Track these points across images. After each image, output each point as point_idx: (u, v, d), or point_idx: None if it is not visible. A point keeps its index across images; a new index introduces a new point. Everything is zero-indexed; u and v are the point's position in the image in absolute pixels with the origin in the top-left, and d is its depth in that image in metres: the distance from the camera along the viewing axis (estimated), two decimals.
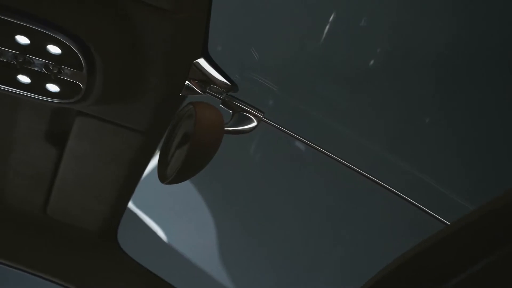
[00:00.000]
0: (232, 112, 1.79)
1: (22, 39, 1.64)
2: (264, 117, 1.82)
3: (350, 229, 2.89)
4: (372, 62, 2.51)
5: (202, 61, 1.75)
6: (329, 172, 2.65)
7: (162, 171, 1.79)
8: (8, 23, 1.60)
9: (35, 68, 1.70)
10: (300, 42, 2.53)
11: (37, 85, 1.74)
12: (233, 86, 1.80)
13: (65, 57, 1.66)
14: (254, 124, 1.80)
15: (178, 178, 1.69)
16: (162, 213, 3.22)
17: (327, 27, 2.43)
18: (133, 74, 1.74)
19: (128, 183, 2.11)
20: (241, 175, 2.99)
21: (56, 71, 1.69)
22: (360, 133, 2.58)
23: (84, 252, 2.34)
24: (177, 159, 1.70)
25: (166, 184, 1.76)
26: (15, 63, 1.68)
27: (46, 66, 1.69)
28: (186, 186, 3.01)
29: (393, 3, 2.38)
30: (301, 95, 2.69)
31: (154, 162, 2.10)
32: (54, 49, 1.65)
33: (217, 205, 3.14)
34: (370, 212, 2.71)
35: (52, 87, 1.74)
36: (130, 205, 2.75)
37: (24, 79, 1.73)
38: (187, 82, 1.78)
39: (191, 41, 1.69)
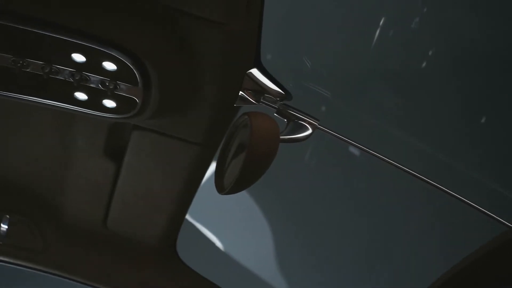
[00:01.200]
0: (287, 120, 1.79)
1: (78, 57, 1.67)
2: (319, 125, 1.82)
3: (410, 233, 2.86)
4: (424, 64, 2.48)
5: (255, 71, 1.76)
6: (385, 176, 2.63)
7: (219, 181, 1.80)
8: (65, 42, 1.63)
9: (92, 85, 1.72)
10: (350, 46, 2.52)
11: (94, 102, 1.77)
12: (287, 94, 1.80)
13: (121, 73, 1.68)
14: (309, 131, 1.80)
15: (235, 188, 1.70)
16: (218, 222, 3.24)
17: (378, 31, 2.42)
18: (187, 87, 1.75)
19: (186, 194, 2.13)
20: (296, 182, 2.99)
21: (112, 87, 1.71)
22: (414, 136, 2.55)
23: (144, 264, 2.36)
24: (234, 169, 1.71)
25: (223, 194, 1.77)
26: (72, 80, 1.71)
27: (102, 82, 1.71)
28: (241, 194, 3.03)
29: (443, 3, 2.36)
30: (353, 100, 2.68)
31: (208, 171, 2.12)
32: (109, 66, 1.67)
33: (272, 213, 3.14)
34: (429, 215, 2.68)
35: (109, 103, 1.77)
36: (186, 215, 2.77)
37: (81, 96, 1.76)
38: (241, 92, 1.79)
39: (244, 52, 1.70)
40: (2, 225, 2.31)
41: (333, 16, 2.44)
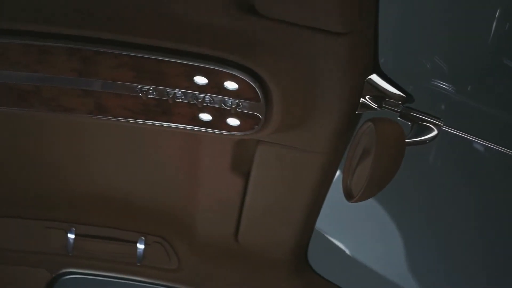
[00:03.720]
0: (411, 123, 1.77)
1: (201, 80, 1.71)
2: (443, 125, 1.79)
3: None
4: None
5: (375, 77, 1.76)
6: None
7: (347, 190, 1.80)
8: (187, 67, 1.68)
9: (215, 105, 1.76)
10: (469, 41, 2.47)
11: (219, 121, 1.80)
12: (409, 97, 1.79)
13: (242, 91, 1.71)
14: (435, 133, 1.78)
15: (364, 195, 1.70)
16: (344, 228, 3.23)
17: (494, 23, 2.36)
18: (309, 98, 1.76)
19: (314, 204, 2.14)
20: (421, 183, 2.95)
21: (235, 105, 1.74)
22: None
23: (277, 276, 2.39)
24: (361, 177, 1.71)
25: (352, 202, 1.77)
26: (196, 103, 1.75)
27: (225, 101, 1.75)
28: None
29: None
30: (473, 94, 2.62)
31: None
32: (231, 85, 1.71)
33: (399, 215, 3.11)
34: None
35: (233, 121, 1.80)
36: None
37: (206, 116, 1.80)
38: (362, 99, 1.79)
39: (363, 59, 1.70)
40: (138, 246, 2.39)
41: (444, 12, 2.40)
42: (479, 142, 1.93)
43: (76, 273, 2.50)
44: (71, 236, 2.39)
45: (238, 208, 2.22)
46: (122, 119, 1.84)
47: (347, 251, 3.18)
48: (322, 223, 3.05)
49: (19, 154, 2.25)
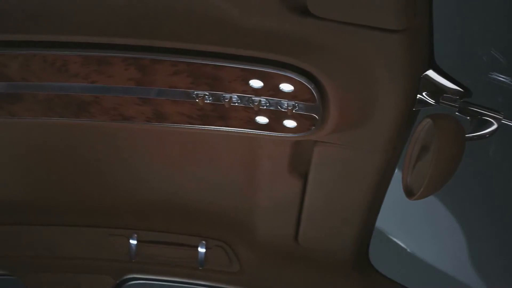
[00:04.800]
0: (470, 118, 1.75)
1: (256, 83, 1.72)
2: (503, 117, 1.76)
3: None
4: None
5: (431, 73, 1.74)
6: None
7: (407, 187, 1.79)
8: (242, 71, 1.69)
9: (271, 108, 1.77)
10: None
11: (275, 123, 1.81)
12: (466, 91, 1.76)
13: (298, 93, 1.71)
14: (495, 126, 1.75)
15: (425, 193, 1.69)
16: (403, 225, 3.21)
17: None
18: (365, 97, 1.76)
19: (373, 203, 2.14)
20: (482, 178, 2.91)
21: (291, 107, 1.75)
22: None
23: (339, 277, 2.38)
24: (422, 174, 1.69)
25: (413, 200, 1.76)
26: (252, 106, 1.76)
27: (281, 104, 1.75)
28: None
29: None
30: None
31: None
32: (286, 87, 1.71)
33: (460, 211, 3.08)
34: None
35: (289, 123, 1.80)
36: None
37: (262, 119, 1.81)
38: (419, 95, 1.77)
39: (419, 55, 1.69)
40: (199, 250, 2.42)
41: (504, 3, 2.37)
42: None
43: (139, 278, 2.54)
44: (133, 242, 2.43)
45: (297, 209, 2.22)
46: (179, 125, 1.86)
47: (408, 249, 3.16)
48: (382, 222, 3.04)
49: (81, 165, 2.29)
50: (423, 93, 1.77)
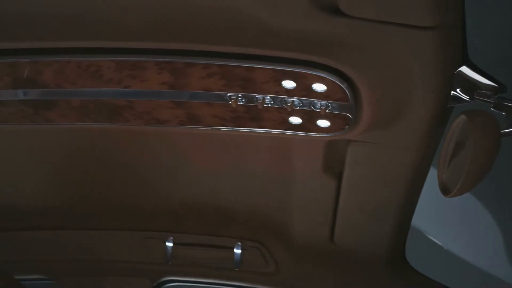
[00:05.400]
0: (505, 113, 1.73)
1: (289, 84, 1.72)
2: None
3: None
4: None
5: (465, 69, 1.73)
6: None
7: (443, 185, 1.78)
8: (274, 72, 1.70)
9: (304, 108, 1.77)
10: None
11: (309, 123, 1.81)
12: (501, 86, 1.75)
13: (331, 92, 1.71)
14: None
15: (462, 190, 1.68)
16: (439, 223, 3.18)
17: None
18: (398, 95, 1.75)
19: (409, 201, 2.13)
20: None
21: (324, 107, 1.75)
22: None
23: (375, 276, 2.38)
24: (457, 171, 1.68)
25: (449, 197, 1.75)
26: (285, 107, 1.77)
27: (314, 104, 1.76)
28: None
29: None
30: None
31: None
32: (319, 87, 1.71)
33: (495, 207, 3.05)
34: None
35: (323, 123, 1.80)
36: None
37: (295, 120, 1.81)
38: (452, 92, 1.76)
39: (452, 51, 1.68)
40: (235, 251, 2.42)
41: None
42: None
43: (176, 280, 2.55)
44: (169, 245, 2.45)
45: (332, 209, 2.22)
46: (213, 128, 1.87)
47: (445, 247, 3.13)
48: (418, 220, 3.02)
49: (116, 169, 2.32)
50: (457, 90, 1.76)
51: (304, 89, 1.72)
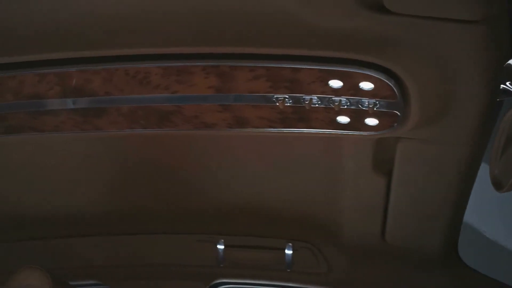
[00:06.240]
0: None
1: (336, 83, 1.72)
2: None
3: None
4: None
5: None
6: None
7: (495, 180, 1.75)
8: (322, 72, 1.69)
9: (352, 107, 1.76)
10: None
11: (357, 122, 1.81)
12: None
13: (378, 90, 1.70)
14: None
15: None
16: (492, 218, 3.14)
17: None
18: (446, 90, 1.74)
19: (460, 197, 2.11)
20: None
21: (372, 105, 1.74)
22: None
23: (428, 273, 2.36)
24: (510, 166, 1.66)
25: (502, 192, 1.72)
26: (333, 106, 1.76)
27: (361, 102, 1.75)
28: None
29: None
30: None
31: None
32: (366, 85, 1.70)
33: None
34: None
35: (371, 121, 1.80)
36: None
37: (343, 119, 1.81)
38: (502, 85, 1.74)
39: (500, 44, 1.65)
40: (286, 252, 2.42)
41: None
42: None
43: (229, 283, 2.56)
44: (220, 247, 2.46)
45: (383, 207, 2.21)
46: (261, 130, 1.88)
47: (499, 242, 3.09)
48: (469, 215, 2.98)
49: (165, 173, 2.34)
50: (507, 83, 1.73)
51: (351, 88, 1.72)
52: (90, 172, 2.35)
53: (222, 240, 2.46)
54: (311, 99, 1.76)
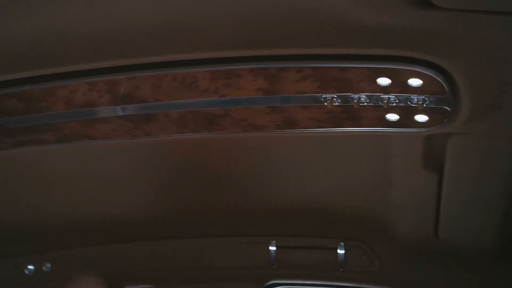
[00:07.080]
0: None
1: (384, 81, 1.70)
2: None
3: None
4: None
5: None
6: None
7: None
8: (368, 70, 1.69)
9: (401, 104, 1.75)
10: None
11: (406, 119, 1.79)
12: None
13: (427, 86, 1.69)
14: None
15: None
16: None
17: None
18: (496, 84, 1.71)
19: None
20: None
21: (421, 102, 1.72)
22: None
23: (483, 269, 2.33)
24: None
25: None
26: (382, 104, 1.75)
27: (410, 99, 1.73)
28: None
29: None
30: None
31: None
32: (415, 82, 1.69)
33: None
34: None
35: (421, 118, 1.78)
36: None
37: (393, 117, 1.80)
38: None
39: None
40: (338, 252, 2.42)
41: None
42: None
43: (282, 284, 2.56)
44: (272, 248, 2.47)
45: (435, 203, 2.19)
46: (310, 130, 1.88)
47: None
48: None
49: (216, 176, 2.36)
50: None
51: (399, 85, 1.70)
52: (141, 178, 2.38)
53: (274, 241, 2.47)
54: (359, 97, 1.75)
